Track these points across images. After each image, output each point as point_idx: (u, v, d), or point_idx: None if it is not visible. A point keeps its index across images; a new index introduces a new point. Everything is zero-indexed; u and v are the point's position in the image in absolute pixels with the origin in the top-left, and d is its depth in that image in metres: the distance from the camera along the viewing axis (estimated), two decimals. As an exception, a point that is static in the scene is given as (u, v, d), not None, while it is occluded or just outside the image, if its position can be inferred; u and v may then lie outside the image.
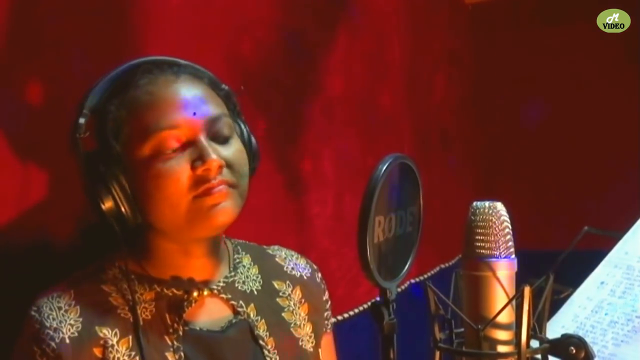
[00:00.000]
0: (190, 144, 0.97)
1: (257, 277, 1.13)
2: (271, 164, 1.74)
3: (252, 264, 1.14)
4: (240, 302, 1.08)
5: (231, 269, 1.10)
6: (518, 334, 0.81)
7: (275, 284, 1.15)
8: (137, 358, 0.96)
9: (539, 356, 0.86)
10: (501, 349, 0.84)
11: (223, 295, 1.07)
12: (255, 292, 1.11)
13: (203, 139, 0.98)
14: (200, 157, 0.96)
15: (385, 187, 0.86)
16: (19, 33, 1.14)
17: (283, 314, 1.13)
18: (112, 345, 0.96)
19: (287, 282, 1.16)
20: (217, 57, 1.54)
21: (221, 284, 1.07)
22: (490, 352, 0.83)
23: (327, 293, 1.23)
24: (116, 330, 0.97)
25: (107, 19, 1.30)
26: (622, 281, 1.23)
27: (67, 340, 0.94)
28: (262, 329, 1.08)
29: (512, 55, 3.13)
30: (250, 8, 1.71)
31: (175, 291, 1.03)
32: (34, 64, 1.16)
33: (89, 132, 0.98)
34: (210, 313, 1.05)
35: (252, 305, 1.09)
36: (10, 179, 1.11)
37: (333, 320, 1.95)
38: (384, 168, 0.85)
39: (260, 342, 1.07)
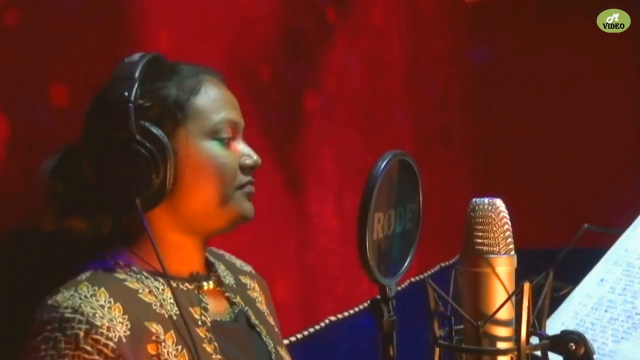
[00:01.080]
0: (234, 140, 1.04)
1: (228, 273, 1.16)
2: (271, 162, 1.74)
3: (217, 262, 1.16)
4: (231, 293, 1.11)
5: (210, 266, 1.12)
6: (518, 331, 0.81)
7: (242, 279, 1.18)
8: (185, 351, 0.95)
9: (538, 353, 0.86)
10: (501, 345, 0.83)
11: (219, 288, 1.09)
12: (235, 286, 1.14)
13: (242, 139, 1.06)
14: (248, 155, 1.04)
15: (384, 184, 0.86)
16: (14, 31, 1.14)
17: (257, 305, 1.17)
18: (164, 340, 0.94)
19: (247, 276, 1.20)
20: (216, 55, 1.54)
21: (215, 278, 1.10)
22: (490, 348, 0.83)
23: None
24: (160, 325, 0.95)
25: (107, 16, 1.30)
26: (621, 278, 1.23)
27: (124, 339, 0.89)
28: (253, 318, 1.12)
29: (511, 54, 3.14)
30: (250, 6, 1.71)
31: (188, 286, 1.03)
32: (30, 62, 1.16)
33: (150, 102, 0.98)
34: (215, 305, 1.06)
35: (239, 296, 1.12)
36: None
37: (333, 318, 1.97)
38: (383, 165, 0.85)
39: (257, 329, 1.11)
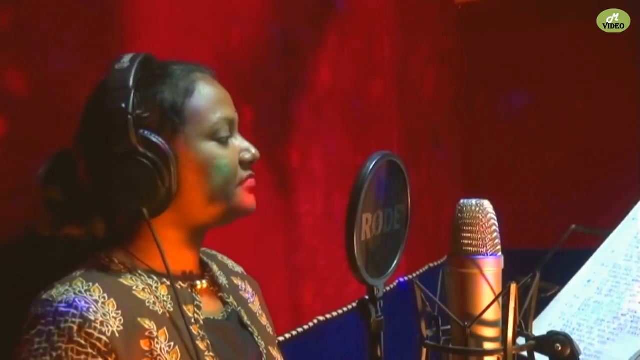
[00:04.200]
0: (231, 136, 1.05)
1: (221, 274, 1.16)
2: (260, 162, 1.73)
3: (211, 262, 1.16)
4: (225, 293, 1.11)
5: (204, 266, 1.12)
6: (504, 331, 0.81)
7: (234, 280, 1.18)
8: (177, 348, 0.96)
9: (525, 353, 0.86)
10: (488, 346, 0.84)
11: (212, 288, 1.10)
12: (228, 286, 1.14)
13: (238, 133, 1.07)
14: (247, 149, 1.06)
15: (372, 184, 0.86)
16: (6, 29, 1.13)
17: (249, 305, 1.17)
18: (157, 337, 0.94)
19: (239, 278, 1.21)
20: (206, 54, 1.54)
21: (208, 278, 1.10)
22: (476, 349, 0.84)
23: None
24: (153, 322, 0.95)
25: (96, 15, 1.30)
26: (608, 279, 1.23)
27: (117, 334, 0.90)
28: (246, 318, 1.12)
29: (501, 54, 3.14)
30: (240, 5, 1.71)
31: (181, 284, 1.04)
32: (22, 60, 1.16)
33: (148, 111, 0.98)
34: (207, 304, 1.07)
35: (232, 297, 1.13)
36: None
37: (322, 318, 1.97)
38: (372, 165, 0.85)
39: (250, 329, 1.11)
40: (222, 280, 1.14)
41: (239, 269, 1.24)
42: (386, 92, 2.47)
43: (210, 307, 1.07)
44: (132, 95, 0.96)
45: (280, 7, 1.86)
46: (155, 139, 0.97)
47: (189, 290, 1.04)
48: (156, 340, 0.94)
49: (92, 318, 0.89)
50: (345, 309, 2.04)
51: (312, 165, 1.99)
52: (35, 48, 1.18)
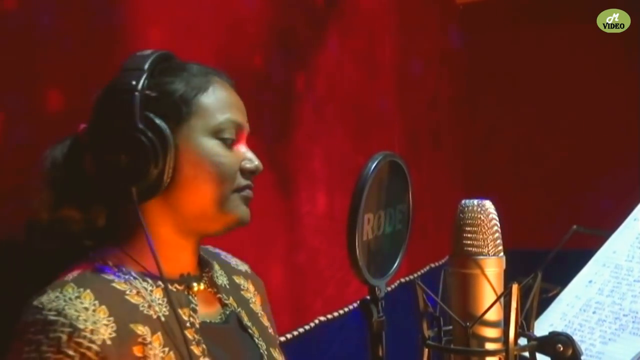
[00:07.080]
0: (237, 143, 1.04)
1: (222, 273, 1.15)
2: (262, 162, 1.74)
3: (212, 261, 1.14)
4: (224, 295, 1.10)
5: (203, 266, 1.11)
6: (506, 332, 0.81)
7: (235, 279, 1.17)
8: (172, 354, 0.94)
9: (526, 354, 0.86)
10: (489, 346, 0.84)
11: (210, 290, 1.08)
12: (228, 287, 1.13)
13: (245, 145, 1.06)
14: (250, 159, 1.04)
15: (374, 184, 0.86)
16: (6, 28, 1.13)
17: (251, 306, 1.16)
18: (150, 342, 0.93)
19: (242, 276, 1.19)
20: (207, 54, 1.54)
21: (206, 279, 1.08)
22: (478, 349, 0.84)
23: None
24: (147, 327, 0.94)
25: (98, 15, 1.30)
26: (610, 280, 1.23)
27: (109, 342, 0.88)
28: (246, 319, 1.11)
29: (502, 54, 3.14)
30: (241, 6, 1.71)
31: (177, 287, 1.02)
32: (22, 60, 1.16)
33: (156, 94, 0.98)
34: (205, 307, 1.06)
35: (231, 298, 1.11)
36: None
37: (323, 319, 1.97)
38: (373, 166, 0.85)
39: (249, 331, 1.10)
40: (222, 280, 1.13)
41: (243, 267, 1.22)
42: (387, 92, 2.47)
43: (207, 310, 1.06)
44: (144, 76, 0.98)
45: (281, 8, 1.86)
46: (158, 121, 0.97)
47: (185, 293, 1.03)
48: (150, 345, 0.92)
49: (82, 327, 0.87)
50: (346, 309, 2.04)
51: (313, 166, 1.99)
52: (35, 49, 1.18)
